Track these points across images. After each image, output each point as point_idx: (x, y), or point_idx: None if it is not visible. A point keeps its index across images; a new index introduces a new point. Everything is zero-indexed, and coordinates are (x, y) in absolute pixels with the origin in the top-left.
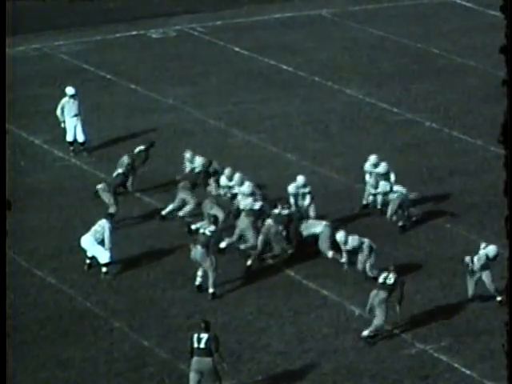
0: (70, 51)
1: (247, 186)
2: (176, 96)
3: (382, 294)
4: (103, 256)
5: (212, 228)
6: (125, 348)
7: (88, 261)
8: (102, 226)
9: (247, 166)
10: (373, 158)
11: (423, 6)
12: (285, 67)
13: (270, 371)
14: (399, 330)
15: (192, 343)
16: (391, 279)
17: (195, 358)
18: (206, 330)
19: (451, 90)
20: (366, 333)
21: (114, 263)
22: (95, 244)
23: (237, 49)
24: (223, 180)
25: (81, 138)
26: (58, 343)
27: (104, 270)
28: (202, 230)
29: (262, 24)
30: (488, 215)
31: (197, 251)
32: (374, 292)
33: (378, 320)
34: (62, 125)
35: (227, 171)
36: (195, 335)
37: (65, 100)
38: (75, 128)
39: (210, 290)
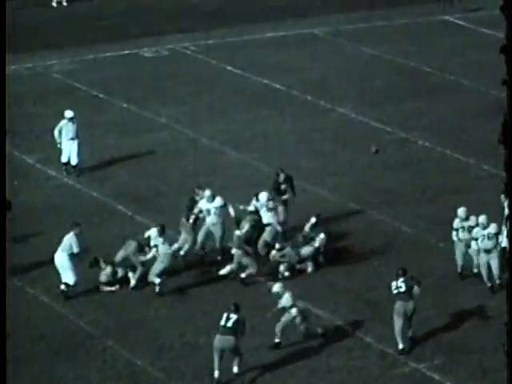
0: (62, 70)
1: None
2: (168, 115)
3: (411, 304)
4: (68, 276)
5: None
6: (117, 367)
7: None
8: (69, 238)
9: (239, 184)
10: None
11: (415, 25)
12: (277, 86)
13: None
14: (392, 348)
15: (220, 321)
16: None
17: (218, 337)
18: (236, 312)
19: (444, 109)
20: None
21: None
22: (67, 262)
23: (229, 68)
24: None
25: (74, 161)
26: (51, 362)
27: (62, 287)
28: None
29: (255, 43)
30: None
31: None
32: (399, 304)
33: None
34: (59, 146)
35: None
36: (225, 314)
37: (63, 122)
38: (70, 150)
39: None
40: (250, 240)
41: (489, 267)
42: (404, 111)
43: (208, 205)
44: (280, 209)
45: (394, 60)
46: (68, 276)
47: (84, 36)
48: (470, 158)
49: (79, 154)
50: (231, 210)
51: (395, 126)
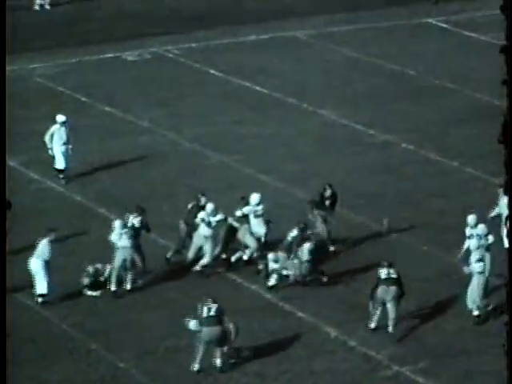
0: (45, 74)
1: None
2: (151, 118)
3: (393, 289)
4: (42, 286)
5: None
6: (101, 370)
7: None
8: (44, 244)
9: (222, 187)
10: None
11: (399, 28)
12: (260, 89)
13: None
14: (375, 351)
15: (201, 314)
16: (394, 273)
17: (205, 329)
18: (214, 302)
19: (427, 112)
20: (390, 329)
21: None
22: (41, 269)
23: (212, 71)
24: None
25: (63, 165)
26: (36, 365)
27: (39, 300)
28: None
29: (237, 46)
30: (465, 237)
31: None
32: (382, 288)
33: (393, 313)
34: (50, 152)
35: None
36: (205, 307)
37: (55, 127)
38: (63, 155)
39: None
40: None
41: None
42: (387, 114)
43: (210, 218)
44: (318, 223)
45: (377, 63)
46: (42, 286)
47: (67, 40)
48: (454, 160)
49: (67, 158)
50: (235, 224)
51: (378, 129)
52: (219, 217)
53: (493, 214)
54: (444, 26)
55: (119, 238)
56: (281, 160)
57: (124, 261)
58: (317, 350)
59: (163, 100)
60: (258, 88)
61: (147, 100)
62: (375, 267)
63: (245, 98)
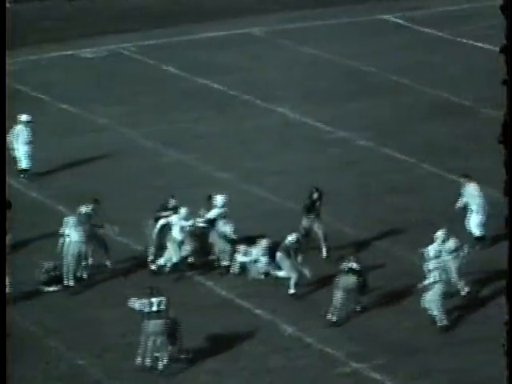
0: None
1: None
2: (109, 116)
3: (352, 279)
4: None
5: None
6: (61, 367)
7: None
8: None
9: (180, 185)
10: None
11: (357, 24)
12: (217, 86)
13: None
14: (332, 348)
15: (145, 307)
16: (356, 265)
17: (153, 322)
18: (160, 294)
19: (385, 108)
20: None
21: None
22: None
23: (169, 68)
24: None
25: (26, 164)
26: None
27: None
28: None
29: (194, 43)
30: (424, 233)
31: None
32: (342, 278)
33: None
34: (12, 152)
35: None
36: (153, 299)
37: (19, 127)
38: (28, 154)
39: None
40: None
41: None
42: (346, 111)
43: (182, 222)
44: (316, 226)
45: (335, 60)
46: None
47: (25, 37)
48: (412, 157)
49: (32, 158)
50: (201, 225)
51: (337, 126)
52: (191, 222)
53: (459, 204)
54: (401, 22)
55: (71, 232)
56: (239, 158)
57: (78, 255)
58: (273, 347)
59: (121, 97)
60: (215, 85)
61: (105, 97)
62: (333, 264)
63: (202, 95)
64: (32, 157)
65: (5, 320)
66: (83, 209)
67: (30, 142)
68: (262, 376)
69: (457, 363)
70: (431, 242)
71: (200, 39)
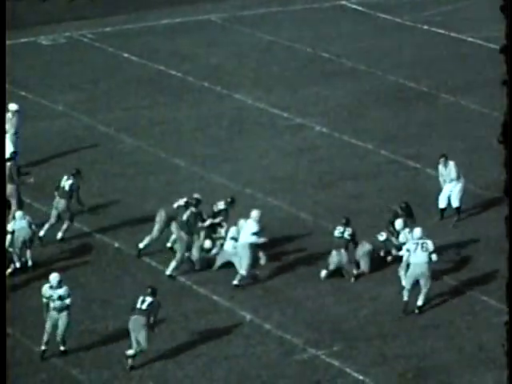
0: None
1: None
2: (66, 102)
3: (367, 246)
4: None
5: None
6: (18, 354)
7: None
8: None
9: (137, 171)
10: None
11: (313, 10)
12: (174, 73)
13: (161, 377)
14: (290, 335)
15: (135, 303)
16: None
17: (133, 317)
18: (153, 295)
19: (341, 94)
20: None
21: None
22: None
23: (126, 55)
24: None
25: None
26: None
27: None
28: None
29: (151, 30)
30: (379, 219)
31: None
32: (335, 252)
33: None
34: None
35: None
36: (141, 297)
37: (8, 116)
38: (13, 144)
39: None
40: None
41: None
42: (301, 97)
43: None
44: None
45: (291, 46)
46: None
47: None
48: (368, 143)
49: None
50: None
51: (292, 112)
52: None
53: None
54: (358, 8)
55: (15, 223)
56: (195, 144)
57: (23, 241)
58: (232, 333)
59: (78, 84)
60: (172, 72)
61: (62, 84)
62: (289, 251)
63: (159, 81)
64: (16, 145)
65: (5, 321)
66: (63, 180)
67: (16, 132)
68: (220, 363)
69: (414, 349)
70: (383, 228)
71: (157, 26)
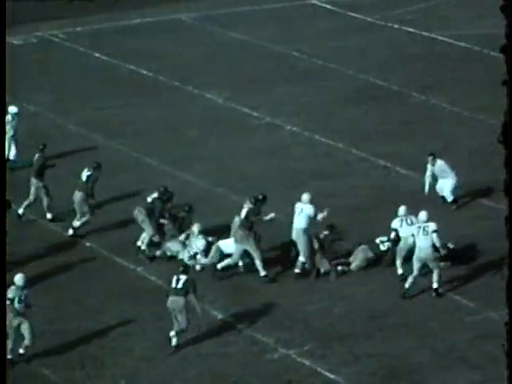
0: None
1: None
2: (37, 102)
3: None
4: None
5: None
6: None
7: None
8: None
9: (108, 171)
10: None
11: (284, 9)
12: (145, 72)
13: (133, 376)
14: (262, 334)
15: (171, 283)
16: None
17: (170, 298)
18: (185, 273)
19: (312, 93)
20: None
21: None
22: None
23: (97, 55)
24: None
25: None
26: None
27: None
28: None
29: (123, 29)
30: (350, 218)
31: None
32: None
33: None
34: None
35: None
36: (175, 276)
37: (7, 119)
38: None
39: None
40: None
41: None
42: (272, 96)
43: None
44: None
45: (263, 45)
46: None
47: None
48: (339, 142)
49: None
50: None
51: (263, 112)
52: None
53: (426, 185)
54: (329, 7)
55: None
56: (167, 143)
57: None
58: (204, 332)
59: (50, 84)
60: (143, 71)
61: (33, 84)
62: (262, 248)
63: (130, 81)
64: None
65: (5, 322)
66: (84, 171)
67: (14, 135)
68: (192, 361)
69: (386, 348)
70: (354, 227)
71: (128, 26)
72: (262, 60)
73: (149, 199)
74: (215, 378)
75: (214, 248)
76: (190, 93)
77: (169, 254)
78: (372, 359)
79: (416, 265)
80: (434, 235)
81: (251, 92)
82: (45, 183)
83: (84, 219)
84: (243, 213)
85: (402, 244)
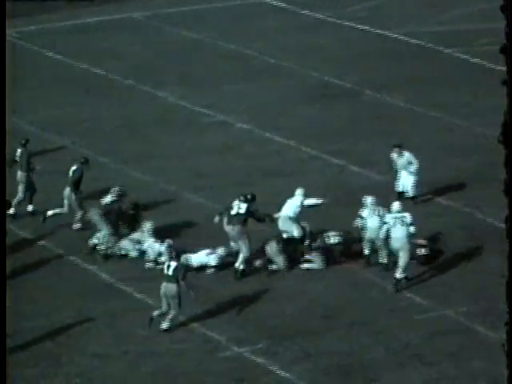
0: None
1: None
2: None
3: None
4: None
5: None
6: None
7: None
8: None
9: (61, 169)
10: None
11: (236, 8)
12: (99, 71)
13: (87, 374)
14: (214, 332)
15: (163, 270)
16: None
17: (163, 284)
18: (176, 259)
19: (264, 91)
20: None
21: None
22: None
23: (51, 54)
24: None
25: None
26: None
27: None
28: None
29: (76, 28)
30: (304, 216)
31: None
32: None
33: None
34: None
35: None
36: (166, 263)
37: None
38: None
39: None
40: None
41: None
42: (225, 94)
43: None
44: None
45: (215, 43)
46: None
47: None
48: (292, 140)
49: None
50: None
51: (216, 109)
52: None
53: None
54: (281, 4)
55: None
56: (120, 141)
57: None
58: (157, 330)
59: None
60: (96, 70)
61: None
62: (211, 247)
63: (84, 80)
64: None
65: (5, 320)
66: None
67: None
68: (146, 359)
69: (338, 346)
70: (311, 224)
71: (82, 24)
72: (215, 58)
73: (105, 200)
74: (169, 375)
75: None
76: (143, 91)
77: (121, 252)
78: (325, 357)
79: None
80: (412, 227)
81: (204, 90)
82: (30, 177)
83: (79, 214)
84: (241, 209)
85: (368, 234)
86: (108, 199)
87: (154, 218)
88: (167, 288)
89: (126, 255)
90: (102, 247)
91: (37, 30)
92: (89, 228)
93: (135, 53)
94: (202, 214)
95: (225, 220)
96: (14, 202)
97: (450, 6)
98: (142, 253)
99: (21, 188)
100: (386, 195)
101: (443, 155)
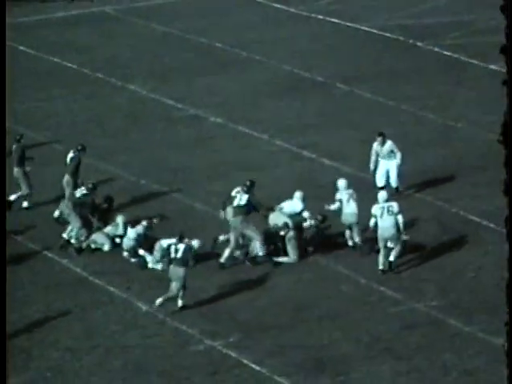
0: None
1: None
2: None
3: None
4: None
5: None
6: None
7: None
8: None
9: (33, 164)
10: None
11: (207, 1)
12: (69, 65)
13: (58, 367)
14: (186, 326)
15: (170, 253)
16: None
17: (171, 267)
18: (182, 241)
19: (236, 85)
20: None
21: None
22: None
23: (21, 47)
24: None
25: None
26: None
27: None
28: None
29: (47, 22)
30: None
31: None
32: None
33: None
34: None
35: None
36: (173, 246)
37: None
38: None
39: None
40: None
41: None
42: (196, 88)
43: None
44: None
45: (185, 37)
46: None
47: None
48: (263, 133)
49: None
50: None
51: (187, 103)
52: None
53: (371, 165)
54: None
55: None
56: (90, 135)
57: None
58: (128, 324)
59: None
60: (67, 64)
61: None
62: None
63: (54, 73)
64: None
65: (5, 320)
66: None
67: None
68: (117, 353)
69: (311, 340)
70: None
71: (52, 18)
72: (186, 51)
73: (77, 194)
74: (140, 369)
75: (157, 246)
76: (114, 85)
77: (94, 246)
78: (297, 350)
79: (381, 244)
80: (400, 216)
81: (174, 84)
82: (26, 171)
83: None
84: (242, 200)
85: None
86: (80, 193)
87: (126, 212)
88: (173, 271)
89: (99, 249)
90: (74, 241)
91: (8, 23)
92: (63, 223)
93: (106, 46)
94: (174, 208)
95: (227, 211)
96: (22, 195)
97: None
98: (116, 246)
99: (25, 182)
100: (357, 189)
101: (415, 148)
